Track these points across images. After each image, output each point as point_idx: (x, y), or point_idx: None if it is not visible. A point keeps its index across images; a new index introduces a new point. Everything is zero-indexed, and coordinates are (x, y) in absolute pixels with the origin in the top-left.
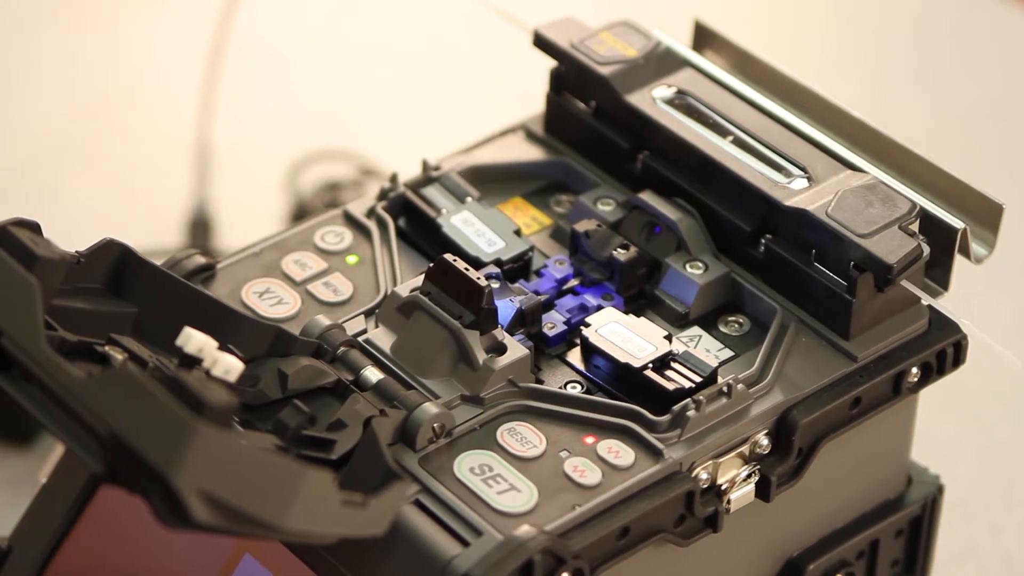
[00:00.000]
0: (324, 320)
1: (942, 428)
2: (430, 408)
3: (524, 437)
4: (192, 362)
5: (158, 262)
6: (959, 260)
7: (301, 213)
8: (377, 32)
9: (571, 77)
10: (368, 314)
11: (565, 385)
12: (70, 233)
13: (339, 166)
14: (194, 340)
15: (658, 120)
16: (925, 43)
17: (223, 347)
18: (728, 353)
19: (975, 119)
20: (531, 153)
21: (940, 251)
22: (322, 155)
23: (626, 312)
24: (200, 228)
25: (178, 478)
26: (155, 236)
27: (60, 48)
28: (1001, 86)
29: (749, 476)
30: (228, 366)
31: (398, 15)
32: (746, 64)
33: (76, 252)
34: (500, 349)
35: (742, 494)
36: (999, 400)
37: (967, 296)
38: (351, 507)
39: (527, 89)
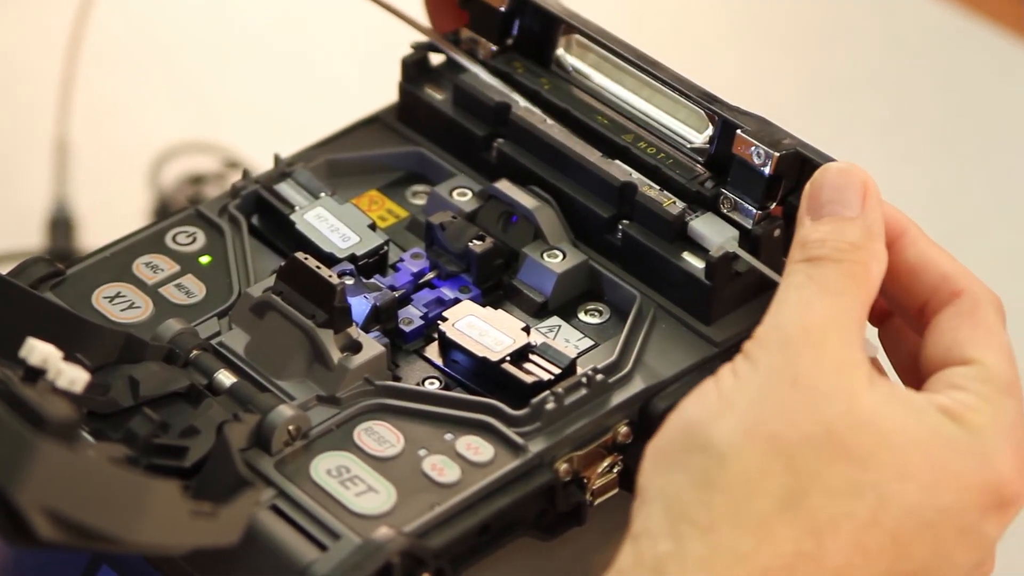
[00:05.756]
0: (176, 324)
1: None
2: (285, 410)
3: (381, 436)
4: (36, 374)
5: (14, 265)
6: None
7: (164, 208)
8: (239, 22)
9: (425, 65)
10: (221, 316)
11: (423, 381)
12: None
13: (203, 159)
14: (37, 351)
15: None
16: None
17: (70, 356)
18: (588, 342)
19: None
20: (386, 144)
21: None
22: (185, 148)
23: (484, 304)
24: (61, 228)
25: (20, 496)
26: (15, 238)
27: None
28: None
29: (612, 467)
30: (73, 377)
31: (261, 5)
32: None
33: None
34: (355, 347)
35: (606, 485)
36: None
37: None
38: (200, 517)
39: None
